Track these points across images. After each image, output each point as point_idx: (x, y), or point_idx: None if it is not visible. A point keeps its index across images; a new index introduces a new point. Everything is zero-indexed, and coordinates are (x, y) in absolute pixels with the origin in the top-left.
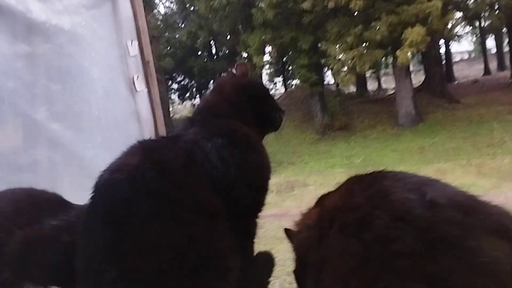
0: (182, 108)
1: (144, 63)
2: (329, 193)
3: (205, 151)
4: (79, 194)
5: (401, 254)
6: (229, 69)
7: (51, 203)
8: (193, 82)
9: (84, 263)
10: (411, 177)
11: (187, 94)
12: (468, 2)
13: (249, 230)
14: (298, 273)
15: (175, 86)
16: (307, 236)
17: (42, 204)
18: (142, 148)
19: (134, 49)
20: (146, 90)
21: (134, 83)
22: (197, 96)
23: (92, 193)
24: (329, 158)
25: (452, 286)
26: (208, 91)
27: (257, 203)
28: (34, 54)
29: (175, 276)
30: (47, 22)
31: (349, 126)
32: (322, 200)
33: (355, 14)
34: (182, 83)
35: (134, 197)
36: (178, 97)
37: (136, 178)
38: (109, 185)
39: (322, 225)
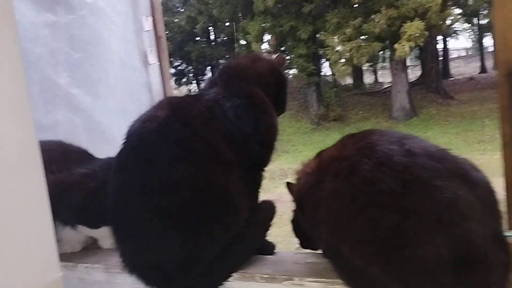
0: (178, 93)
1: (157, 38)
2: (326, 148)
3: (224, 109)
4: (95, 154)
5: (382, 192)
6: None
7: (79, 154)
8: (190, 67)
9: (117, 196)
10: (394, 133)
11: (184, 79)
12: None
13: (256, 180)
14: (296, 220)
15: (172, 70)
16: (306, 182)
17: (71, 154)
18: (170, 104)
19: (148, 24)
20: (158, 63)
21: (147, 56)
22: (194, 81)
23: (125, 138)
24: (322, 148)
25: (422, 216)
26: (238, 57)
27: (265, 159)
28: (59, 23)
29: (194, 211)
30: None
31: (344, 117)
32: (320, 153)
33: (355, 6)
34: (179, 67)
35: (162, 144)
36: (175, 81)
37: (164, 128)
38: (141, 132)
39: (319, 172)
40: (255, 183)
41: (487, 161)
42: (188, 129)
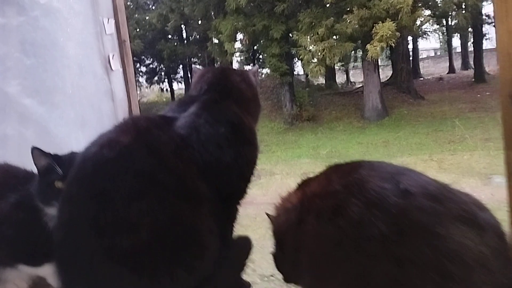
0: (149, 92)
1: (120, 42)
2: (309, 179)
3: (204, 138)
4: None
5: (373, 238)
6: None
7: (22, 178)
8: (162, 66)
9: (65, 232)
10: (386, 166)
11: (155, 78)
12: (436, 0)
13: (231, 215)
14: (277, 255)
15: (143, 69)
16: (286, 220)
17: (11, 179)
18: (135, 127)
19: (110, 27)
20: (121, 69)
21: (109, 62)
22: (165, 80)
23: (79, 164)
24: (296, 148)
25: (420, 269)
26: (208, 71)
27: (242, 191)
28: (8, 26)
29: (154, 253)
30: None
31: (317, 117)
32: (302, 185)
33: (328, 5)
34: (151, 66)
35: (121, 175)
36: (146, 80)
37: (125, 157)
38: (97, 159)
39: (301, 210)
40: (230, 217)
41: (458, 161)
42: (154, 159)
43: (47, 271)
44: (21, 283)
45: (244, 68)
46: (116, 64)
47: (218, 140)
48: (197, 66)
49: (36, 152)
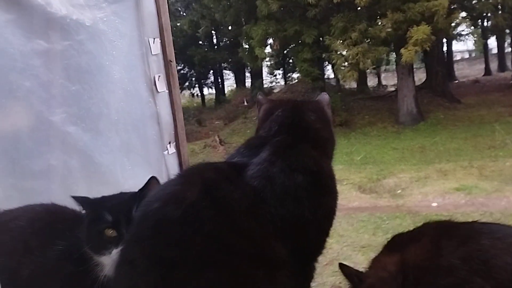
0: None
1: (166, 62)
2: (404, 238)
3: (279, 190)
4: None
5: None
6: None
7: (68, 220)
8: (192, 71)
9: None
10: (510, 231)
11: (186, 83)
12: (473, 1)
13: (309, 275)
14: None
15: None
16: None
17: (58, 222)
18: (202, 179)
19: (156, 47)
20: (167, 91)
21: (155, 84)
22: (196, 85)
23: (139, 220)
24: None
25: None
26: (278, 105)
27: (321, 247)
28: (52, 51)
29: None
30: (67, 17)
31: (350, 122)
32: (397, 247)
33: (360, 9)
34: (182, 72)
35: (187, 239)
36: None
37: (192, 217)
38: (159, 218)
39: (404, 284)
40: (307, 278)
41: (500, 168)
42: (225, 220)
43: None
44: None
45: (274, 73)
46: (162, 86)
47: (296, 193)
48: (260, 96)
49: (79, 201)
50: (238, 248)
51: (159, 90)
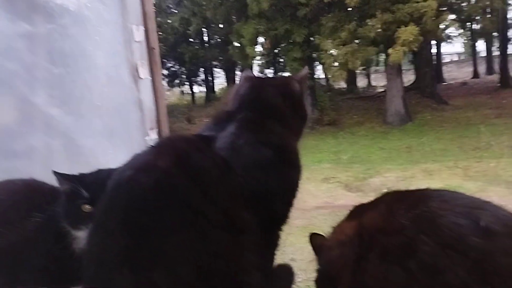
0: (170, 95)
1: (149, 49)
2: (364, 207)
3: (246, 161)
4: None
5: (449, 285)
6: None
7: (47, 195)
8: (183, 69)
9: (96, 264)
10: (459, 198)
11: (177, 81)
12: (462, 4)
13: (273, 243)
14: (321, 285)
15: (164, 72)
16: (341, 254)
17: (37, 196)
18: (173, 149)
19: (139, 34)
20: (150, 78)
21: (137, 70)
22: (186, 83)
23: (111, 188)
24: (316, 153)
25: None
26: (244, 83)
27: (285, 217)
28: (36, 34)
29: None
30: (51, 1)
31: (338, 122)
32: (357, 214)
33: (350, 9)
34: (172, 69)
35: (160, 204)
36: (167, 83)
37: (164, 183)
38: (132, 185)
39: (360, 246)
40: (272, 245)
41: (484, 169)
42: (196, 187)
43: None
44: None
45: (264, 72)
46: (144, 73)
47: (261, 165)
48: (245, 72)
49: (58, 176)
50: (208, 214)
51: (141, 77)
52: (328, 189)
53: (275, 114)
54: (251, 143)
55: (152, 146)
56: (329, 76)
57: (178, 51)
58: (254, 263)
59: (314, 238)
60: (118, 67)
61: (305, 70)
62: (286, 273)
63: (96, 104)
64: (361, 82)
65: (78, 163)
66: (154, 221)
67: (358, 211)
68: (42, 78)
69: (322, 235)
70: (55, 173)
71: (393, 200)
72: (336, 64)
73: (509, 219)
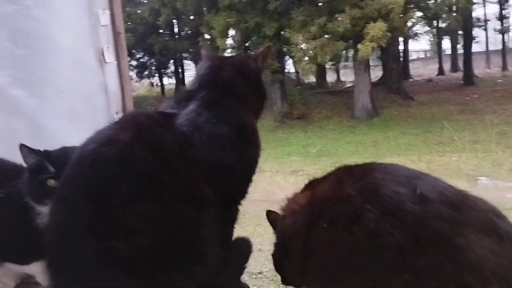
0: (139, 86)
1: (115, 34)
2: (317, 180)
3: (206, 137)
4: None
5: (389, 247)
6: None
7: (8, 172)
8: (152, 60)
9: (58, 233)
10: (401, 170)
11: (146, 72)
12: (428, 2)
13: (232, 217)
14: (278, 257)
15: (133, 63)
16: (293, 222)
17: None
18: (135, 124)
19: (105, 18)
20: (115, 62)
21: (103, 54)
22: (156, 74)
23: (75, 161)
24: (286, 146)
25: (439, 280)
26: (204, 63)
27: (244, 192)
28: None
29: (152, 258)
30: None
31: (307, 116)
32: (310, 186)
33: (320, 4)
34: (141, 60)
35: (121, 176)
36: (136, 74)
37: (125, 156)
38: (95, 158)
39: (310, 213)
40: (231, 219)
41: (446, 163)
42: (156, 159)
43: (35, 269)
44: (8, 281)
45: None
46: (110, 57)
47: (220, 141)
48: (204, 52)
49: (25, 149)
50: (168, 185)
51: (107, 61)
52: (297, 182)
53: (233, 93)
54: (210, 121)
55: (114, 121)
56: (299, 70)
57: (147, 42)
58: (214, 235)
59: (271, 214)
60: (83, 50)
61: (266, 48)
62: (244, 245)
63: (60, 86)
64: (330, 77)
65: (42, 145)
66: (115, 192)
67: (311, 184)
68: (4, 59)
69: (277, 213)
70: (22, 146)
71: (343, 173)
72: (306, 58)
73: (444, 188)
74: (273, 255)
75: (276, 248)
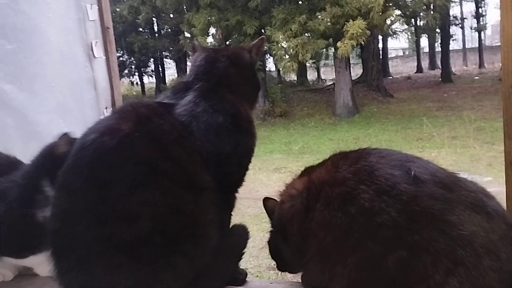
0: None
1: (104, 29)
2: (314, 166)
3: (203, 127)
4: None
5: (384, 225)
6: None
7: (3, 164)
8: (132, 59)
9: (62, 221)
10: (395, 154)
11: (126, 71)
12: (407, 0)
13: (229, 203)
14: (274, 243)
15: None
16: (291, 206)
17: None
18: (136, 114)
19: (93, 13)
20: (104, 57)
21: (92, 49)
22: (136, 73)
23: (77, 150)
24: (268, 144)
25: (432, 255)
26: (199, 55)
27: (241, 180)
28: None
29: (154, 243)
30: None
31: (289, 114)
32: (307, 172)
33: (301, 2)
34: (121, 59)
35: (122, 164)
36: None
37: (126, 146)
38: (97, 147)
39: (308, 197)
40: (228, 206)
41: (426, 158)
42: (156, 148)
43: (33, 262)
44: (7, 273)
45: None
46: (99, 52)
47: (217, 130)
48: (196, 42)
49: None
50: (169, 173)
51: (96, 56)
52: (280, 179)
53: (228, 84)
54: (207, 110)
55: (114, 111)
56: (280, 68)
57: (127, 40)
58: (212, 221)
59: (267, 201)
60: (72, 45)
61: (260, 40)
62: (242, 231)
63: (49, 81)
64: (311, 75)
65: (32, 139)
66: (117, 179)
67: (308, 170)
68: None
69: (275, 199)
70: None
71: (339, 158)
72: (287, 56)
73: (435, 170)
74: (269, 242)
75: (272, 234)
